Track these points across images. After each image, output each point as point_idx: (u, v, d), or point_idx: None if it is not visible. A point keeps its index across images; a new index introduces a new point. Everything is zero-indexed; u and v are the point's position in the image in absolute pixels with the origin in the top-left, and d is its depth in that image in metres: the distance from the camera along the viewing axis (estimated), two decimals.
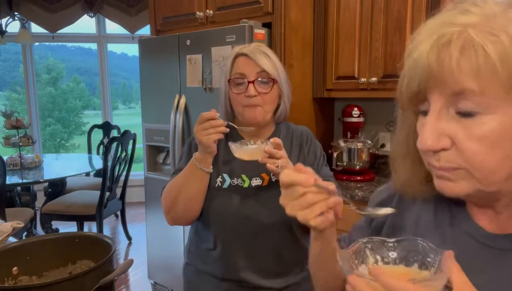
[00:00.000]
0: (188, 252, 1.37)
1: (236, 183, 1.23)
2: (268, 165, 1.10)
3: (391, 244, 0.57)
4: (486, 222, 0.58)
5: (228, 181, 1.23)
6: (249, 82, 1.19)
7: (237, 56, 1.24)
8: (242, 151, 1.12)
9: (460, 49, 0.46)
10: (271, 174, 1.21)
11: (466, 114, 0.48)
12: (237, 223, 1.20)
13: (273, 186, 1.22)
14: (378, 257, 0.57)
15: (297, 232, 1.24)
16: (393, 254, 0.56)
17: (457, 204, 0.62)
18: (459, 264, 0.50)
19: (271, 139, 1.12)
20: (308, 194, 0.62)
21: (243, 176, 1.23)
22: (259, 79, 1.20)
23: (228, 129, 1.14)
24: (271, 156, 1.10)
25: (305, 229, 1.28)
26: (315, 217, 0.62)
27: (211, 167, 1.20)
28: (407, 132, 0.62)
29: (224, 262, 1.23)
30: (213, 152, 1.17)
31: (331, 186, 0.64)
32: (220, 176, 1.23)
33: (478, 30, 0.46)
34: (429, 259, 0.53)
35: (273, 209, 1.19)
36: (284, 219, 1.19)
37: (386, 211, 0.64)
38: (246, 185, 1.23)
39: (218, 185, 1.23)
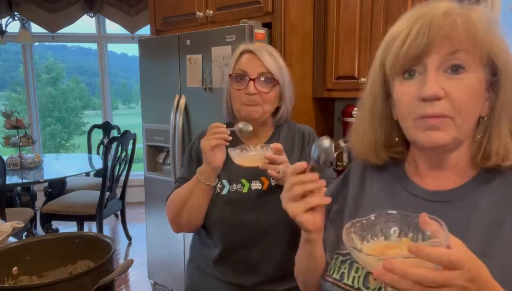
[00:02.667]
0: (191, 250, 1.37)
1: (235, 188, 1.21)
2: (269, 171, 1.08)
3: (365, 222, 0.61)
4: (427, 183, 0.72)
5: (227, 187, 1.21)
6: (250, 79, 1.18)
7: (242, 52, 1.23)
8: (242, 157, 1.10)
9: (465, 20, 0.63)
10: (271, 178, 1.19)
11: (456, 69, 0.63)
12: (237, 230, 1.19)
13: (273, 190, 1.20)
14: (368, 237, 0.60)
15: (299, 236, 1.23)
16: (378, 231, 0.61)
17: (399, 172, 0.77)
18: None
19: (272, 145, 1.09)
20: (295, 187, 0.67)
21: (243, 180, 1.21)
22: (261, 78, 1.19)
23: (231, 138, 1.12)
24: (272, 162, 1.08)
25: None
26: (302, 214, 0.68)
27: (216, 180, 1.19)
28: (373, 102, 0.75)
29: (224, 267, 1.22)
30: (216, 167, 1.15)
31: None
32: (219, 182, 1.21)
33: (473, 11, 0.65)
34: (405, 226, 0.60)
35: (273, 214, 1.17)
36: (284, 223, 1.17)
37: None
38: (245, 189, 1.20)
39: (217, 191, 1.21)
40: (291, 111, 1.32)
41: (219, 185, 1.21)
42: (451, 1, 0.66)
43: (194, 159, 1.28)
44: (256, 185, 1.21)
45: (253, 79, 1.18)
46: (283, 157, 1.10)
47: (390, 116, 0.74)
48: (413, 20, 0.65)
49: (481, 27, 0.63)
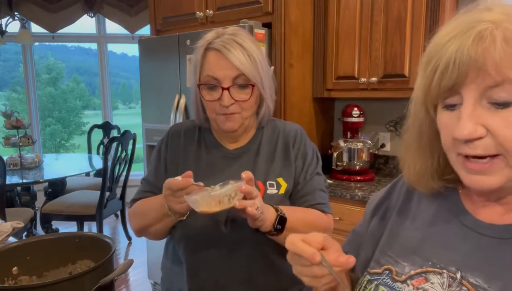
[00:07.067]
0: (161, 263, 1.23)
1: None
2: (248, 208, 0.84)
3: None
4: (482, 212, 0.62)
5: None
6: (223, 89, 0.99)
7: (207, 49, 1.02)
8: (209, 199, 0.84)
9: (504, 41, 0.49)
10: (248, 220, 0.94)
11: (502, 105, 0.51)
12: (203, 245, 1.04)
13: None
14: None
15: (272, 256, 1.05)
16: None
17: (453, 195, 0.66)
18: (459, 255, 0.59)
19: (243, 175, 0.88)
20: (314, 267, 0.59)
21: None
22: (236, 83, 1.00)
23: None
24: (247, 196, 0.87)
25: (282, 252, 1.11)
26: (322, 286, 0.61)
27: (188, 213, 1.00)
28: (418, 130, 0.64)
29: (190, 286, 1.07)
30: (185, 214, 1.00)
31: (341, 258, 0.59)
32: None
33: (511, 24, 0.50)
34: None
35: (243, 228, 0.99)
36: (254, 240, 1.02)
37: None
38: None
39: None
40: (292, 111, 1.28)
41: None
42: (503, 8, 0.52)
43: (162, 163, 1.11)
44: None
45: (227, 88, 0.99)
46: (256, 189, 0.89)
47: None
48: (453, 35, 0.53)
49: None
